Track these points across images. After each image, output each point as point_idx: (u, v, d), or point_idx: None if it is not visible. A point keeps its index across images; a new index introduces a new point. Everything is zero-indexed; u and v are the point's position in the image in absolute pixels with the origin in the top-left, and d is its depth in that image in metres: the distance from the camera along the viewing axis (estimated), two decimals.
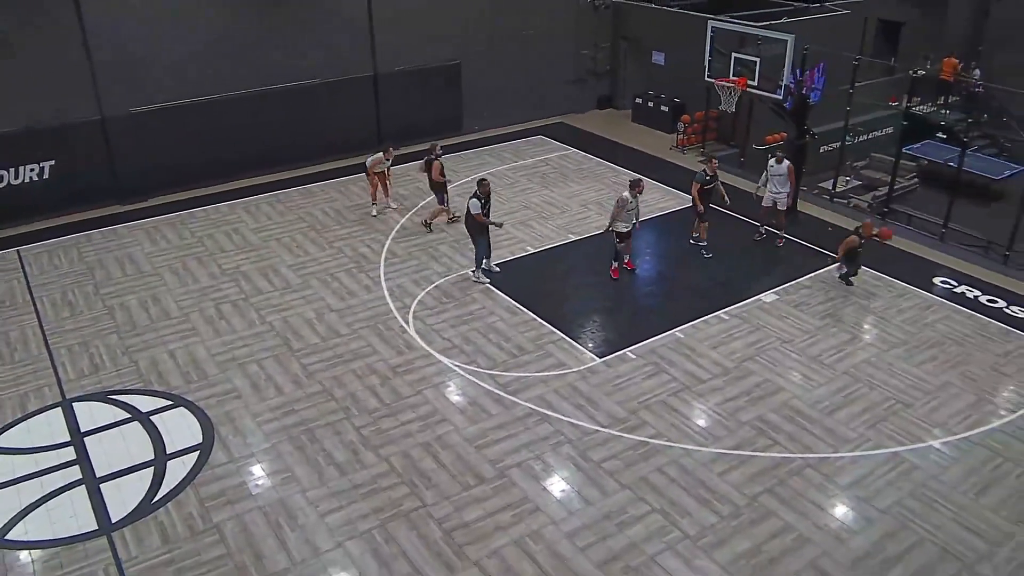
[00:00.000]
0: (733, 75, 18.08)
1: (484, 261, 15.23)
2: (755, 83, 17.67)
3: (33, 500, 10.36)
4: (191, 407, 11.91)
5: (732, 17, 19.35)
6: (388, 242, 16.60)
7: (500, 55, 22.80)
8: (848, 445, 10.82)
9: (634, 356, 12.84)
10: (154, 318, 14.26)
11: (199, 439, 11.26)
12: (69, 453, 11.14)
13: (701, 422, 11.33)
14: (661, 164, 20.95)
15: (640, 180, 14.96)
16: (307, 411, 11.73)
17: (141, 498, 10.30)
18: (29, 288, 15.48)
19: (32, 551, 9.64)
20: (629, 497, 9.99)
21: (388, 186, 18.46)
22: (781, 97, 17.00)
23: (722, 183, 16.06)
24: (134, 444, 11.26)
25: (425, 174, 17.25)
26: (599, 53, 24.94)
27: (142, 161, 18.77)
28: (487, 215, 14.76)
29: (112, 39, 17.82)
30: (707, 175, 15.62)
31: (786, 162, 15.94)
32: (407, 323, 13.84)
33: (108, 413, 11.93)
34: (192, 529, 9.77)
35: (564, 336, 13.35)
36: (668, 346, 13.06)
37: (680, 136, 22.19)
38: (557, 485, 10.24)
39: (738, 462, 10.55)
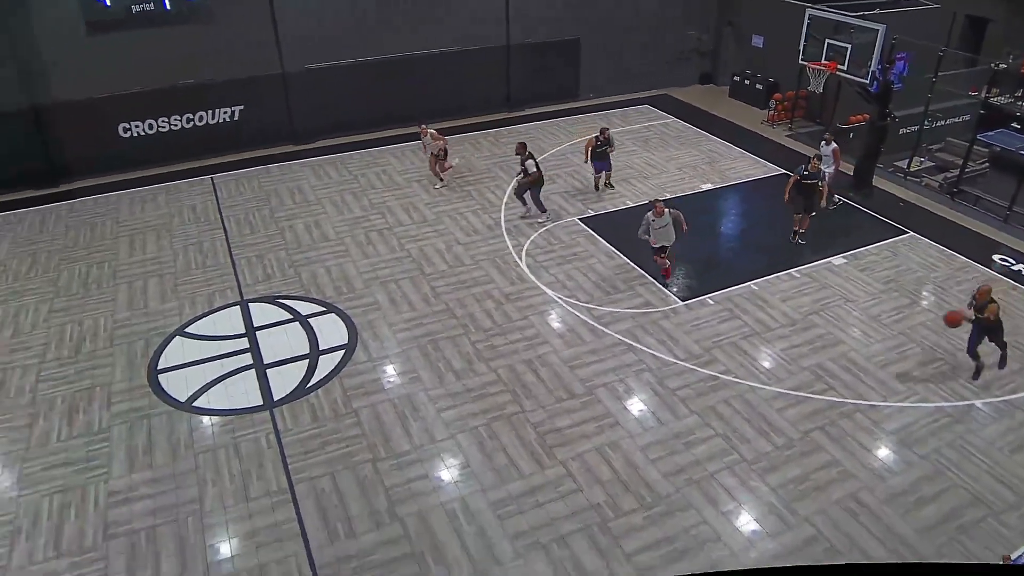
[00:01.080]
0: (824, 59, 17.07)
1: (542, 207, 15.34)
2: (844, 67, 16.64)
3: (215, 377, 11.01)
4: (341, 314, 12.35)
5: (829, 6, 18.18)
6: (509, 190, 16.58)
7: (615, 33, 22.15)
8: (896, 396, 10.38)
9: (712, 302, 12.57)
10: (315, 239, 14.75)
11: (346, 340, 11.69)
12: (244, 343, 11.75)
13: (766, 364, 11.06)
14: (751, 136, 20.11)
15: (657, 201, 12.60)
16: (433, 325, 12.00)
17: (297, 384, 10.80)
18: (219, 208, 16.21)
19: (212, 417, 10.29)
20: (697, 422, 9.91)
21: (434, 163, 16.95)
22: (868, 81, 15.98)
23: (828, 186, 14.25)
24: (294, 340, 11.78)
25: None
26: (705, 35, 23.97)
27: (313, 109, 19.24)
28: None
29: (293, 9, 18.15)
30: (806, 170, 13.75)
31: (833, 144, 15.22)
32: (520, 259, 13.89)
33: (275, 313, 12.48)
34: (336, 412, 10.22)
35: (653, 280, 13.16)
36: (743, 296, 12.72)
37: (771, 112, 21.23)
38: (636, 405, 10.23)
39: (795, 401, 10.29)
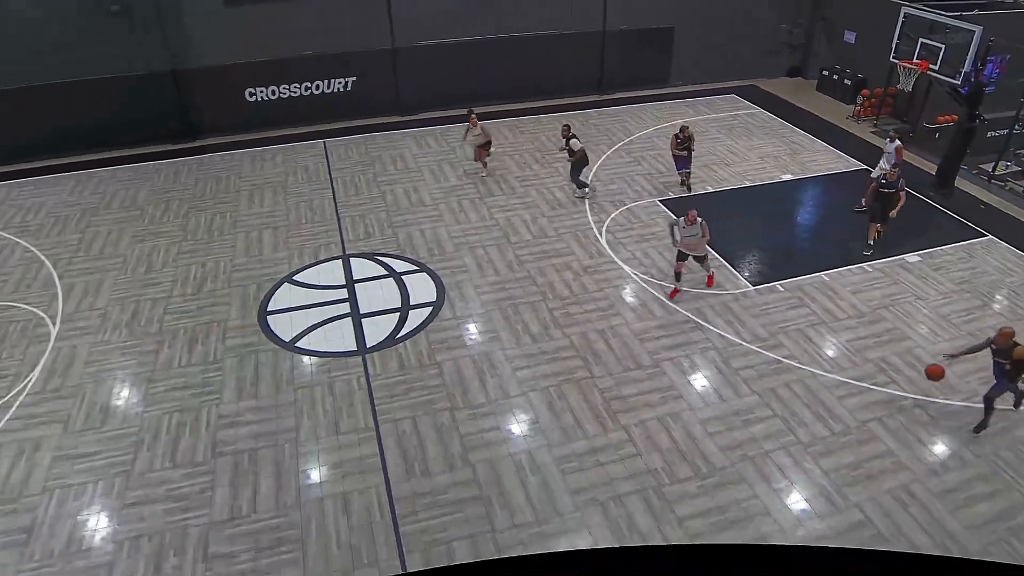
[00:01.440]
0: (917, 58, 16.13)
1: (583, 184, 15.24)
2: (936, 67, 15.69)
3: (316, 322, 11.46)
4: (431, 274, 12.63)
5: (926, 6, 17.12)
6: (595, 168, 16.46)
7: (709, 24, 21.45)
8: (959, 395, 9.93)
9: (782, 289, 12.25)
10: (413, 204, 15.05)
11: (434, 298, 11.96)
12: (343, 293, 12.17)
13: (830, 352, 10.74)
14: (836, 130, 19.26)
15: (692, 211, 11.55)
16: (515, 290, 12.13)
17: (388, 334, 11.14)
18: (329, 170, 16.70)
19: (311, 357, 10.74)
20: (757, 401, 9.75)
21: (480, 154, 16.10)
22: (960, 83, 15.04)
23: (904, 192, 12.90)
24: (388, 294, 12.13)
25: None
26: (797, 28, 22.95)
27: (418, 83, 19.48)
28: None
29: None
30: (883, 179, 12.98)
31: (897, 142, 14.22)
32: (600, 234, 13.83)
33: (373, 268, 12.86)
34: (420, 362, 10.51)
35: (726, 263, 12.90)
36: (813, 285, 12.33)
37: (857, 108, 20.23)
38: (699, 381, 10.14)
39: (856, 391, 9.98)
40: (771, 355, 10.63)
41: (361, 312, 11.66)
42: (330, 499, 8.44)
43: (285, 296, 12.16)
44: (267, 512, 8.33)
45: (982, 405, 9.15)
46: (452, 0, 18.86)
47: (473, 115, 15.79)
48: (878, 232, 13.19)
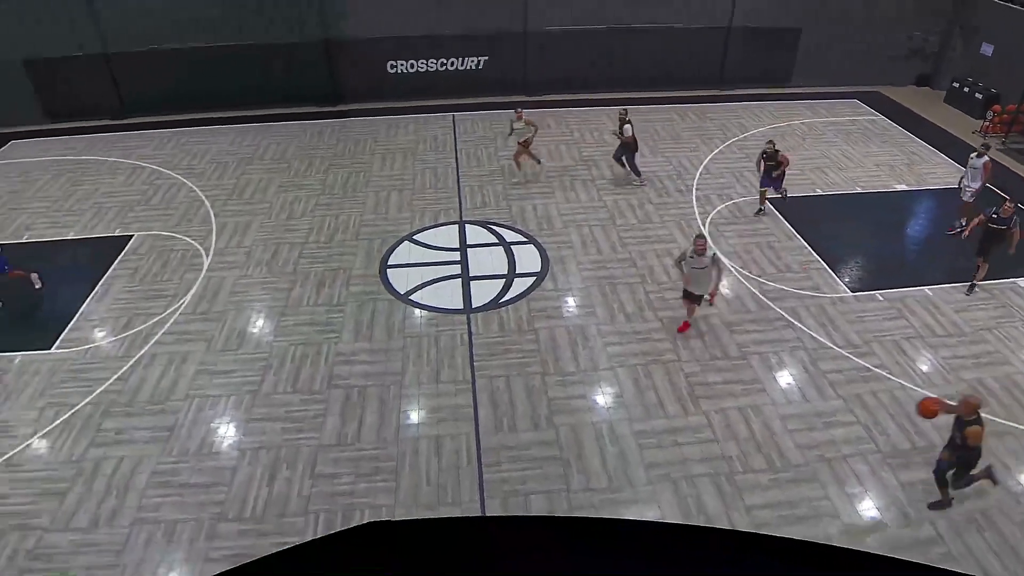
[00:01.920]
0: None
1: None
2: None
3: (429, 279, 11.77)
4: (538, 246, 12.66)
5: None
6: (707, 160, 15.92)
7: (838, 27, 20.08)
8: None
9: (882, 298, 11.50)
10: (527, 181, 15.07)
11: (538, 269, 12.01)
12: (456, 256, 12.41)
13: (924, 367, 10.04)
14: (960, 144, 17.71)
15: (701, 238, 9.62)
16: (615, 270, 12.00)
17: (492, 297, 11.30)
18: (455, 141, 16.96)
19: (422, 311, 11.06)
20: (841, 406, 9.27)
21: (520, 151, 14.68)
22: None
23: (1019, 230, 10.96)
24: (497, 261, 12.27)
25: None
26: (931, 36, 21.12)
27: (544, 67, 19.37)
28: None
29: None
30: (995, 213, 10.89)
31: (985, 157, 12.45)
32: (704, 225, 13.42)
33: (485, 236, 13.03)
34: (519, 327, 10.62)
35: (827, 267, 12.22)
36: (915, 298, 11.51)
37: (986, 123, 18.48)
38: (785, 378, 9.74)
39: None
40: (861, 362, 10.05)
41: (471, 275, 11.87)
42: (424, 440, 8.73)
43: (405, 253, 12.53)
44: (369, 443, 8.72)
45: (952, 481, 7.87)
46: None
47: (519, 110, 14.51)
48: (978, 272, 11.52)
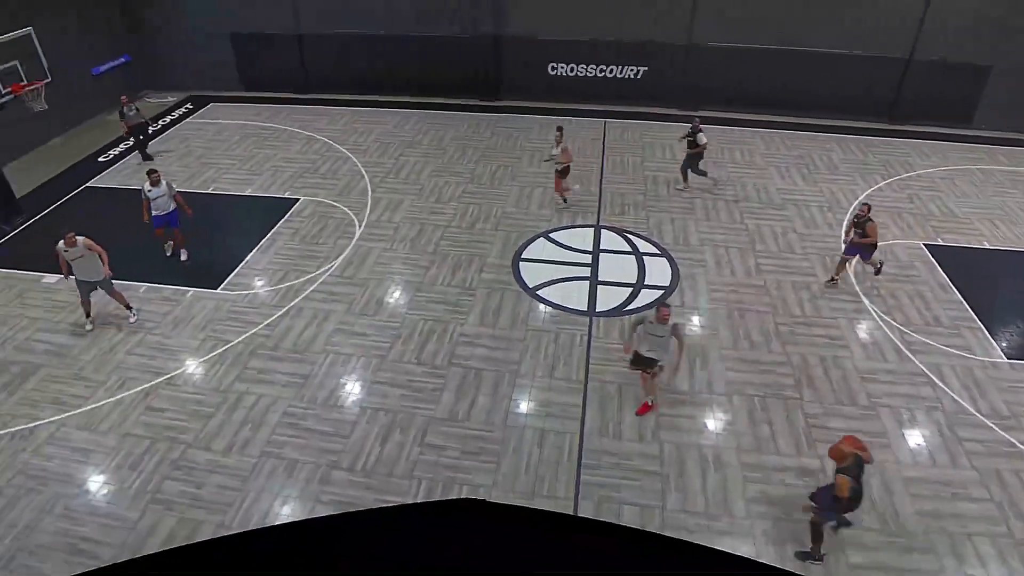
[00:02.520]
0: None
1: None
2: None
3: (558, 277, 11.85)
4: (671, 261, 12.39)
5: None
6: (863, 195, 14.84)
7: None
8: None
9: None
10: (669, 193, 14.75)
11: (667, 283, 11.75)
12: (588, 259, 12.40)
13: None
14: None
15: (665, 307, 8.40)
16: (746, 295, 11.51)
17: (618, 304, 11.20)
18: (604, 147, 16.91)
19: (546, 306, 11.16)
20: (974, 478, 8.37)
21: (559, 181, 13.79)
22: None
23: None
24: (627, 269, 12.14)
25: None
26: None
27: (704, 82, 18.83)
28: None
29: None
30: None
31: None
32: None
33: (619, 243, 12.92)
34: None
35: (982, 326, 11.04)
36: None
37: None
38: (915, 438, 8.93)
39: None
40: (1006, 436, 9.02)
41: (599, 279, 11.83)
42: (530, 430, 8.84)
43: (539, 248, 12.70)
44: (477, 423, 8.95)
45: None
46: (753, 7, 17.80)
47: (559, 131, 13.60)
48: None
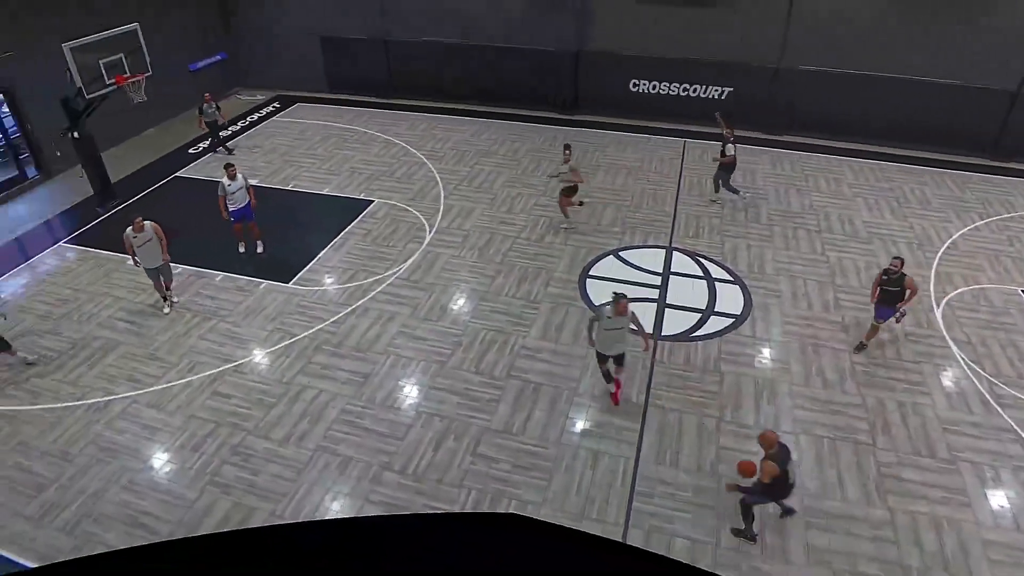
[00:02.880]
0: None
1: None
2: None
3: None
4: (744, 288, 12.08)
5: None
6: (957, 235, 14.11)
7: None
8: None
9: None
10: (747, 220, 14.40)
11: (739, 312, 11.46)
12: (657, 280, 12.23)
13: None
14: None
15: (623, 297, 8.61)
16: (822, 331, 11.09)
17: (684, 329, 10.99)
18: (681, 168, 16.68)
19: None
20: None
21: (564, 200, 13.53)
22: None
23: None
24: (697, 294, 11.90)
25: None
26: None
27: (792, 106, 18.32)
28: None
29: (812, 10, 17.18)
30: None
31: None
32: (937, 304, 11.93)
33: (691, 266, 12.68)
34: (704, 365, 10.22)
35: None
36: None
37: None
38: (998, 499, 8.36)
39: None
40: None
41: (667, 301, 11.65)
42: (584, 450, 8.76)
43: (607, 266, 12.61)
44: (532, 438, 8.93)
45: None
46: (850, 30, 17.23)
47: (567, 149, 13.20)
48: None
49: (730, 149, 14.01)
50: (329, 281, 12.28)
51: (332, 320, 11.21)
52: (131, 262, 11.17)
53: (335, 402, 9.55)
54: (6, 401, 9.77)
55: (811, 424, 9.26)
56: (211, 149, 17.77)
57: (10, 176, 16.40)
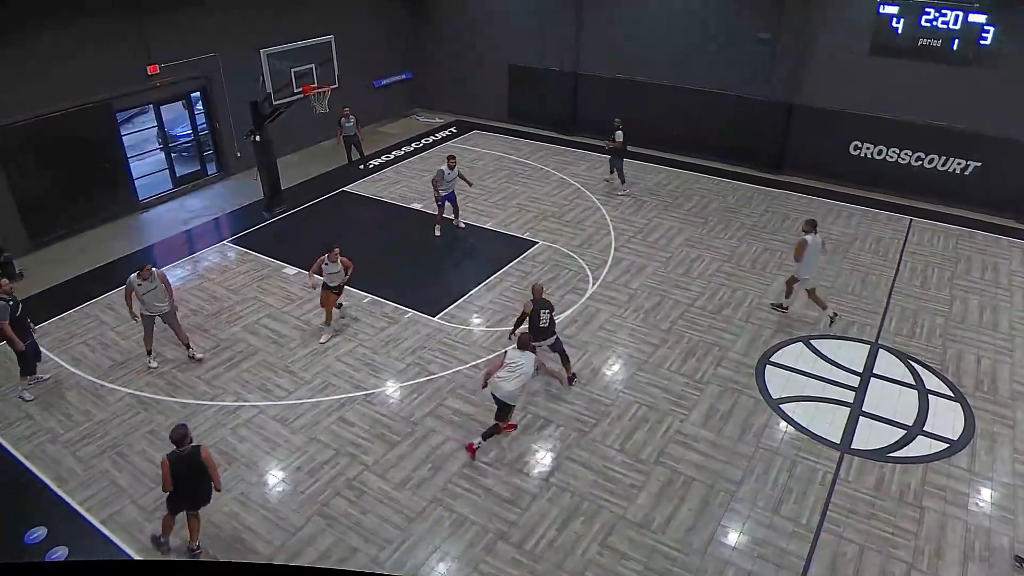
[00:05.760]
0: None
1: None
2: None
3: (812, 394, 10.94)
4: (967, 409, 10.82)
5: None
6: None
7: None
8: None
9: None
10: (983, 323, 12.97)
11: (955, 437, 10.25)
12: (854, 381, 11.30)
13: None
14: None
15: (525, 334, 9.61)
16: None
17: (881, 446, 10.02)
18: (902, 250, 15.46)
19: (789, 426, 10.33)
20: None
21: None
22: None
23: None
24: (903, 405, 10.83)
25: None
26: None
27: None
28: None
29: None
30: None
31: None
32: None
33: (899, 370, 11.59)
34: (901, 496, 9.21)
35: None
36: None
37: None
38: None
39: None
40: None
41: (864, 409, 10.71)
42: (734, 568, 8.14)
43: (794, 354, 11.87)
44: (673, 540, 8.46)
45: None
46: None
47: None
48: None
49: (619, 136, 16.85)
50: (476, 322, 12.60)
51: (472, 364, 11.44)
52: (128, 312, 11.11)
53: (460, 454, 9.66)
54: (148, 389, 10.90)
55: None
56: (354, 164, 19.31)
57: (192, 170, 18.68)
